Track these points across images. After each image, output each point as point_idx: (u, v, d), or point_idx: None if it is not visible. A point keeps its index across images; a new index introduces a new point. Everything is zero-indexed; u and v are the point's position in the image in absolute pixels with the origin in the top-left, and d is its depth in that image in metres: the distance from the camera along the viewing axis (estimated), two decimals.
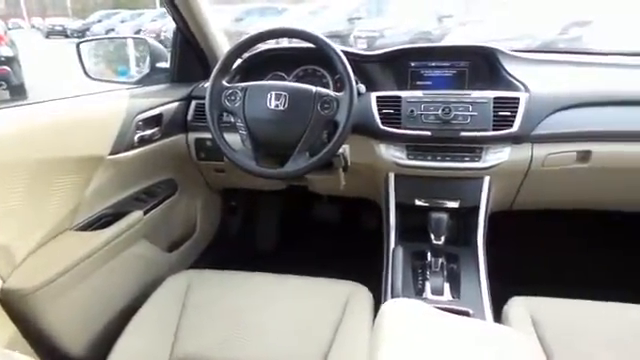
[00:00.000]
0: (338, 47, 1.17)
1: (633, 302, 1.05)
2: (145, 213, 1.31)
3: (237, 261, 1.39)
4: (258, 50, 1.51)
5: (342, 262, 1.46)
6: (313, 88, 1.16)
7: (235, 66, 1.49)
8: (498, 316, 1.08)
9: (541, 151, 1.25)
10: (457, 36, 7.24)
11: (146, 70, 1.50)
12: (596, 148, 1.24)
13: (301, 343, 1.01)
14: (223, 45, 1.51)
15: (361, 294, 1.14)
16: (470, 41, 1.59)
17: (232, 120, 1.24)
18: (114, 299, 1.22)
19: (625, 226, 1.68)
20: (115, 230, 1.18)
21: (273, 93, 1.16)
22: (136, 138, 1.26)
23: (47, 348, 1.04)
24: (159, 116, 1.36)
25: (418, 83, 1.42)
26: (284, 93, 1.15)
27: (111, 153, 1.18)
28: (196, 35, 1.44)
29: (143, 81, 1.49)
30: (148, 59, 1.49)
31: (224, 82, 1.21)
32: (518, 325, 1.01)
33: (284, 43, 1.74)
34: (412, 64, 1.43)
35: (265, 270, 1.24)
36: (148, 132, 1.32)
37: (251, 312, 1.10)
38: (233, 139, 1.26)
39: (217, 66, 1.21)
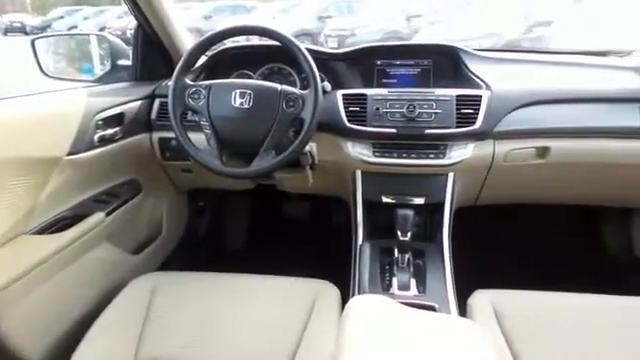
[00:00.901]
0: (303, 45, 1.16)
1: (590, 292, 1.10)
2: (107, 215, 1.27)
3: (206, 262, 1.37)
4: (223, 48, 1.49)
5: (312, 260, 1.46)
6: (278, 86, 1.15)
7: (200, 64, 1.48)
8: (463, 309, 1.11)
9: (503, 147, 1.28)
10: (426, 35, 7.35)
11: (107, 68, 1.46)
12: (554, 144, 1.28)
13: (268, 343, 1.01)
14: (187, 43, 1.48)
15: (329, 292, 1.14)
16: (434, 40, 1.61)
17: (196, 119, 1.22)
18: (75, 304, 1.18)
19: (582, 219, 1.75)
20: (74, 233, 1.15)
21: (237, 91, 1.15)
22: (96, 138, 1.22)
23: (4, 356, 1.00)
24: (121, 115, 1.32)
25: (384, 81, 1.44)
26: (249, 91, 1.14)
27: (69, 154, 1.14)
28: (158, 32, 1.40)
29: (104, 79, 1.44)
30: (109, 57, 1.45)
31: (187, 80, 1.19)
32: (481, 317, 1.04)
33: (254, 40, 1.72)
34: (378, 62, 1.44)
35: (235, 270, 1.23)
36: (109, 131, 1.28)
37: (218, 313, 1.08)
38: (198, 138, 1.24)
39: (179, 64, 1.18)
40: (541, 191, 1.47)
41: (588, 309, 1.06)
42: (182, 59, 1.19)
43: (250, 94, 1.14)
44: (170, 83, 1.18)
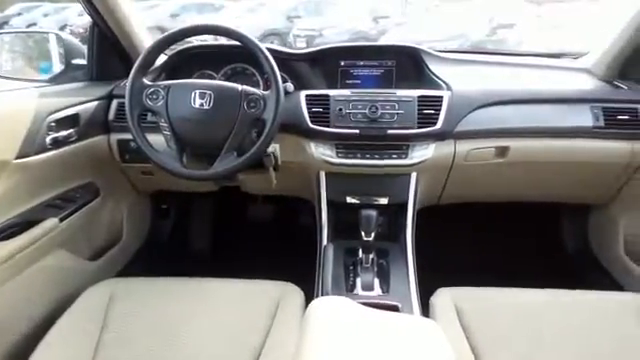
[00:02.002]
0: (264, 45, 1.15)
1: (549, 287, 1.13)
2: (61, 220, 1.22)
3: (170, 266, 1.33)
4: (184, 47, 1.46)
5: (278, 262, 1.44)
6: (239, 86, 1.14)
7: (160, 64, 1.44)
8: (426, 308, 1.12)
9: (463, 147, 1.31)
10: (393, 36, 7.43)
11: (60, 67, 1.40)
12: (513, 144, 1.32)
13: (231, 349, 0.99)
14: (146, 41, 1.44)
15: (293, 294, 1.13)
16: (397, 41, 1.63)
17: (156, 120, 1.19)
18: (27, 315, 1.13)
19: (543, 216, 1.80)
20: (25, 240, 1.09)
21: (197, 92, 1.12)
22: (48, 140, 1.17)
23: None
24: (75, 116, 1.27)
25: (348, 82, 1.44)
26: (209, 92, 1.12)
27: (18, 157, 1.08)
28: (115, 31, 1.36)
29: (57, 79, 1.38)
30: (63, 56, 1.39)
31: (145, 80, 1.16)
32: (443, 315, 1.05)
33: (217, 40, 1.69)
34: (342, 63, 1.44)
35: (200, 274, 1.21)
36: (63, 133, 1.22)
37: (178, 319, 1.05)
38: (158, 140, 1.21)
39: (137, 63, 1.15)
40: (502, 189, 1.50)
41: (546, 304, 1.09)
42: (139, 58, 1.15)
43: (210, 95, 1.12)
44: (127, 83, 1.14)
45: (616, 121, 1.29)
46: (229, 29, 1.16)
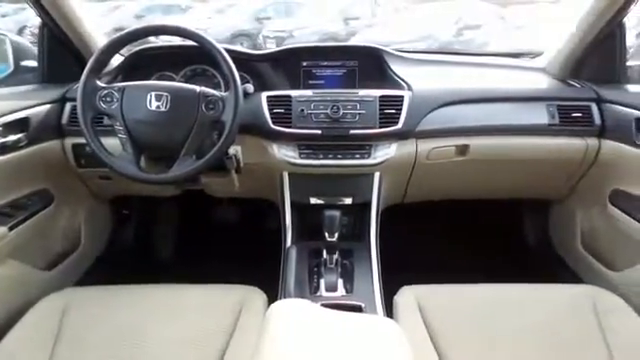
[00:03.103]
0: (221, 46, 1.13)
1: (512, 282, 1.15)
2: (11, 229, 1.16)
3: (133, 273, 1.29)
4: (141, 48, 1.42)
5: (244, 266, 1.43)
6: (197, 88, 1.12)
7: (116, 65, 1.40)
8: (391, 307, 1.12)
9: (425, 146, 1.32)
10: (363, 37, 7.48)
11: (9, 69, 1.34)
12: (473, 142, 1.34)
13: (192, 355, 0.97)
14: (100, 42, 1.40)
15: (256, 298, 1.12)
16: (360, 41, 1.64)
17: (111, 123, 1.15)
18: None
19: (506, 213, 1.84)
20: None
21: (153, 94, 1.10)
22: None
23: None
24: (25, 120, 1.22)
25: (310, 82, 1.43)
26: (165, 93, 1.10)
27: None
28: (67, 31, 1.31)
29: (5, 81, 1.32)
30: (11, 57, 1.33)
31: (98, 82, 1.12)
32: (406, 313, 1.06)
33: (176, 41, 1.65)
34: (304, 64, 1.44)
35: (164, 280, 1.18)
36: (11, 138, 1.17)
37: (137, 328, 1.02)
38: (114, 143, 1.18)
39: (88, 65, 1.11)
40: (464, 187, 1.53)
41: (507, 299, 1.11)
42: (91, 59, 1.12)
43: (167, 96, 1.10)
44: (79, 85, 1.10)
45: (570, 118, 1.33)
46: (186, 30, 1.13)
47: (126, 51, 1.43)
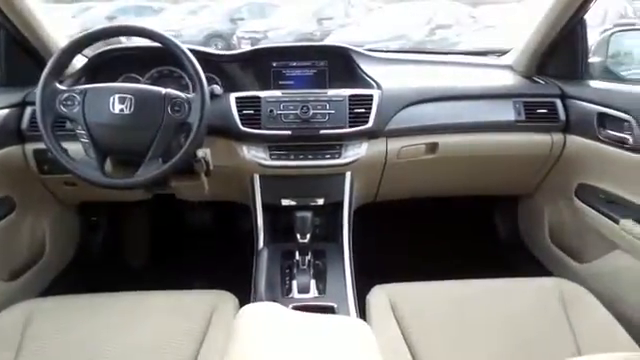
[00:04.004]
0: (186, 46, 1.11)
1: (485, 277, 1.16)
2: None
3: (103, 282, 1.26)
4: (104, 49, 1.39)
5: (217, 270, 1.41)
6: (162, 90, 1.10)
7: (80, 67, 1.36)
8: (364, 306, 1.12)
9: (395, 144, 1.33)
10: (338, 37, 7.50)
11: None
12: (442, 140, 1.35)
13: None
14: (61, 44, 1.35)
15: (227, 303, 1.10)
16: (329, 41, 1.64)
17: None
18: None
19: (478, 209, 1.86)
20: None
21: (116, 96, 1.07)
22: None
23: None
24: None
25: (281, 83, 1.42)
26: (129, 96, 1.07)
27: None
28: (25, 33, 1.26)
29: None
30: None
31: (58, 85, 1.09)
32: (379, 312, 1.06)
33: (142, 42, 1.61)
34: (274, 64, 1.42)
35: (136, 287, 1.15)
36: None
37: (104, 339, 0.99)
38: (77, 148, 1.15)
39: (48, 67, 1.08)
40: (435, 185, 1.54)
41: (478, 294, 1.13)
42: (50, 61, 1.08)
43: (131, 99, 1.07)
44: (37, 88, 1.07)
45: (536, 115, 1.35)
46: (150, 30, 1.11)
47: (90, 52, 1.39)
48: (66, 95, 1.07)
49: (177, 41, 1.10)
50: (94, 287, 1.18)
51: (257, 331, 0.72)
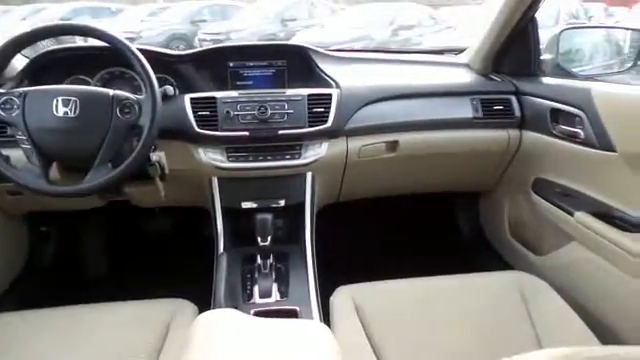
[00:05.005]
0: (134, 46, 1.06)
1: (448, 273, 1.17)
2: None
3: (56, 295, 1.18)
4: (48, 50, 1.31)
5: (178, 277, 1.36)
6: (110, 91, 1.05)
7: (20, 69, 1.28)
8: (327, 308, 1.10)
9: (355, 144, 1.32)
10: (302, 38, 7.50)
11: None
12: (402, 138, 1.35)
13: None
14: None
15: (186, 311, 1.06)
16: (287, 41, 1.62)
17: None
18: None
19: (440, 206, 1.88)
20: None
21: (60, 98, 1.01)
22: None
23: None
24: None
25: (238, 83, 1.38)
26: (73, 98, 1.02)
27: None
28: None
29: None
30: None
31: None
32: (342, 313, 1.05)
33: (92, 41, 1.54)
34: (230, 64, 1.38)
35: (91, 300, 1.09)
36: None
37: (58, 355, 0.94)
38: (20, 155, 1.08)
39: None
40: (397, 183, 1.54)
41: (440, 290, 1.13)
42: None
43: (76, 101, 1.01)
44: None
45: (492, 111, 1.38)
46: (96, 29, 1.06)
47: (34, 53, 1.31)
48: (4, 98, 1.01)
49: (125, 40, 1.05)
50: (46, 301, 1.11)
51: (212, 339, 0.69)
